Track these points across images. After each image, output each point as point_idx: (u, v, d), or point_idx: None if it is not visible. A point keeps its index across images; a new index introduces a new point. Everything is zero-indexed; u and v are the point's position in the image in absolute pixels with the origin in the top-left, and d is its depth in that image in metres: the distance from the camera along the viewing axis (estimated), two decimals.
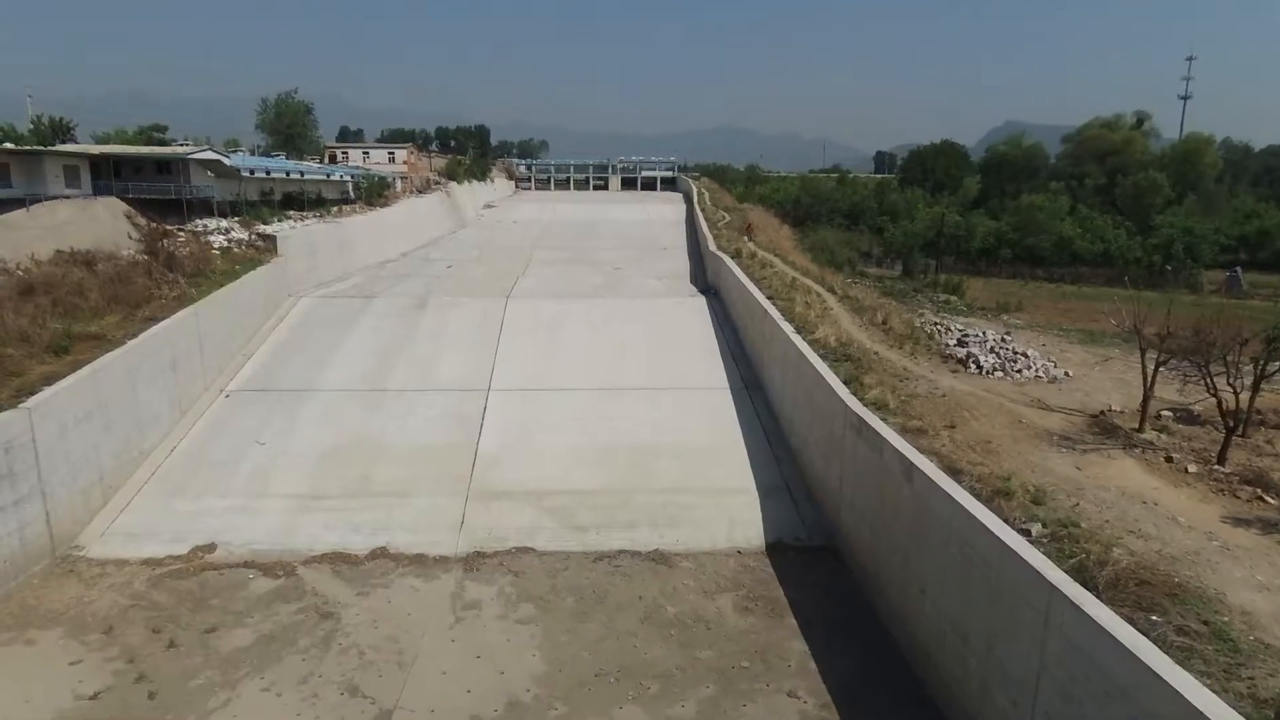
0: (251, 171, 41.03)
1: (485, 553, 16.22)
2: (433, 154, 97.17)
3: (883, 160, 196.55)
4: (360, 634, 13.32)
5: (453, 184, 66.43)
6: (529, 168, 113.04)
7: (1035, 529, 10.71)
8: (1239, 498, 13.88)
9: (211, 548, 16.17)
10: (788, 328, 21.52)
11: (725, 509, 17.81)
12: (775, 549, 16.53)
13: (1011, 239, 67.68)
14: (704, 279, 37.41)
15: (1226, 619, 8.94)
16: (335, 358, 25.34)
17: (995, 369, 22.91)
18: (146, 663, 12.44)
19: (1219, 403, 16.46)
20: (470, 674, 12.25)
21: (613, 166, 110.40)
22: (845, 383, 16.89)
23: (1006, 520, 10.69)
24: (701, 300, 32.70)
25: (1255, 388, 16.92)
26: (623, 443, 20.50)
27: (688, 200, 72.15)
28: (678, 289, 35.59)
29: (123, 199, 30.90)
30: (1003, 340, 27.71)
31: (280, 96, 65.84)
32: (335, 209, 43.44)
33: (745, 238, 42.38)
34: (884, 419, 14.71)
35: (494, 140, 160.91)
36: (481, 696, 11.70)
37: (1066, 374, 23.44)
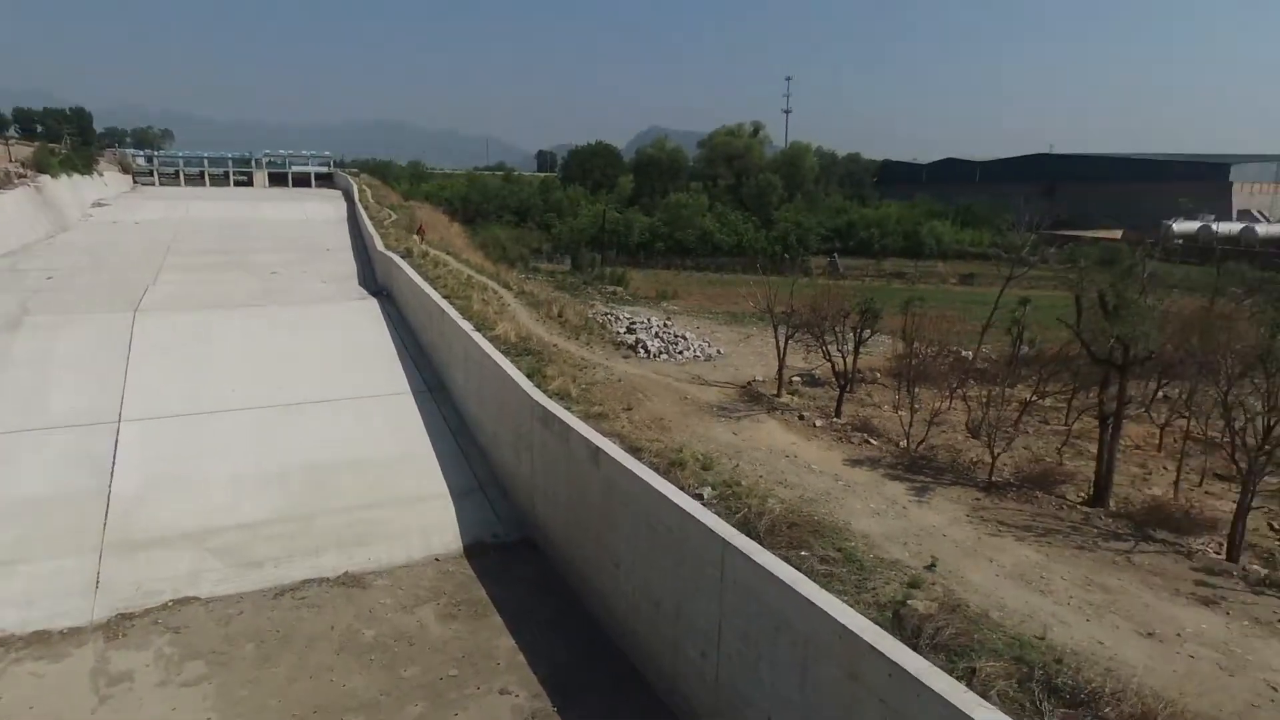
0: None
1: (133, 613, 13.77)
2: (11, 141, 79.03)
3: (544, 159, 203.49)
4: None
5: (45, 178, 54.75)
6: (149, 160, 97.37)
7: (706, 492, 11.93)
8: (852, 443, 16.87)
9: None
10: (467, 326, 21.35)
11: (418, 518, 17.18)
12: (474, 550, 16.37)
13: (664, 233, 74.61)
14: (374, 281, 35.57)
15: (853, 544, 10.81)
16: None
17: (661, 352, 25.08)
18: None
19: (832, 366, 19.86)
20: None
21: (258, 160, 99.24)
22: (528, 376, 17.24)
23: (683, 488, 11.77)
24: (373, 303, 31.05)
25: (855, 352, 20.64)
26: (297, 463, 18.72)
27: (349, 198, 67.87)
28: (346, 292, 33.38)
29: None
30: (665, 325, 30.42)
31: None
32: None
33: (417, 237, 41.11)
34: (568, 408, 15.30)
35: (99, 127, 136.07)
36: None
37: (719, 352, 26.48)
